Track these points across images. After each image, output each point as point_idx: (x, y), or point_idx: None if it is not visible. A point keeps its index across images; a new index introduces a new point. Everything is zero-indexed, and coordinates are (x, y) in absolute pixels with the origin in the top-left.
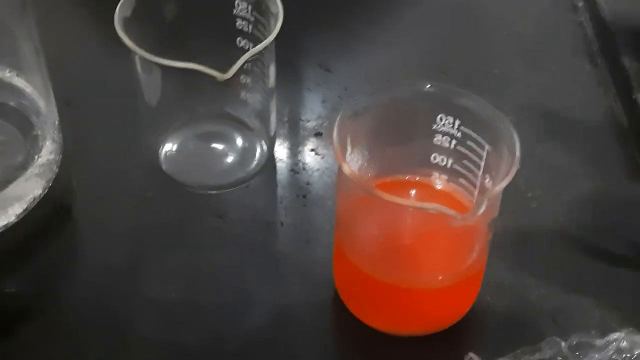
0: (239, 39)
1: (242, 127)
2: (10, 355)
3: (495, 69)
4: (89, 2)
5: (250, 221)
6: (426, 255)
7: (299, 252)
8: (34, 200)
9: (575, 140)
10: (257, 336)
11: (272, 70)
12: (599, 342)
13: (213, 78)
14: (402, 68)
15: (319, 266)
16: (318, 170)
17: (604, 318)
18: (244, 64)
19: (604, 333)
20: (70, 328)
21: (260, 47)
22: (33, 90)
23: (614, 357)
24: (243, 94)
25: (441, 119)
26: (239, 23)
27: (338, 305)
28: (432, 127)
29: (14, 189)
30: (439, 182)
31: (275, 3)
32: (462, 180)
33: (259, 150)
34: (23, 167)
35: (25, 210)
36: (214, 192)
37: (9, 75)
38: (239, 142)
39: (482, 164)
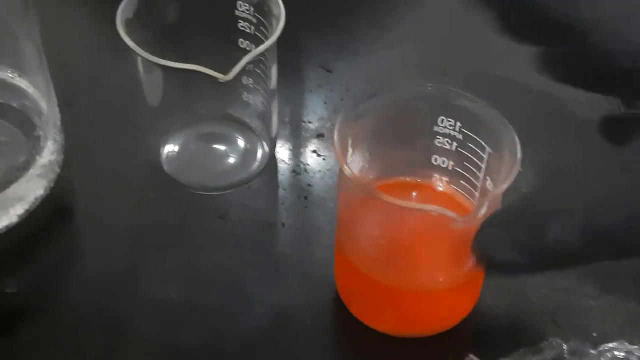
0: (240, 40)
1: (243, 128)
2: (10, 355)
3: (496, 70)
4: (90, 3)
5: (251, 222)
6: (427, 256)
7: (300, 253)
8: (36, 201)
9: (576, 141)
10: (257, 336)
11: (274, 72)
12: (593, 352)
13: (215, 79)
14: (403, 69)
15: (320, 267)
16: (319, 171)
17: (605, 319)
18: (245, 65)
19: (604, 334)
20: (70, 328)
21: (262, 48)
22: (35, 91)
23: None
24: (245, 95)
25: (442, 121)
26: (241, 24)
27: (338, 306)
28: (434, 128)
29: (16, 189)
30: (440, 184)
31: (278, 4)
32: (463, 182)
33: (260, 151)
34: (25, 168)
35: (26, 211)
36: (215, 193)
37: (11, 76)
38: (241, 143)
39: (483, 165)
